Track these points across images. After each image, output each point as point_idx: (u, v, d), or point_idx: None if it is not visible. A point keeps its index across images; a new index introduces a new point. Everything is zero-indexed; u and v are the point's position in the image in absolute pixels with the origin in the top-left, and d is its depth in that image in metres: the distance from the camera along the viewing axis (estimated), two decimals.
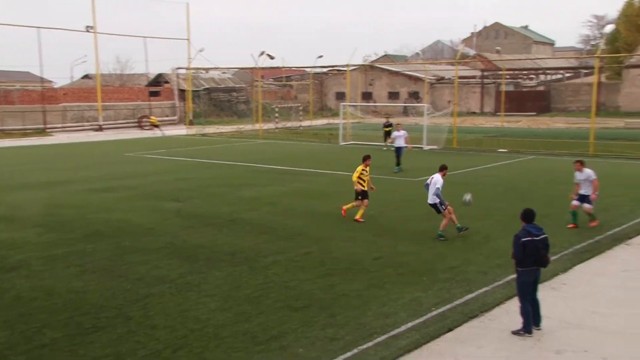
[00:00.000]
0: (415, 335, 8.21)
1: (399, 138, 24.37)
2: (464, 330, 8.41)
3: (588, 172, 14.24)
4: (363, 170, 15.07)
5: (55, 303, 9.44)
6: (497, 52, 57.50)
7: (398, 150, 24.25)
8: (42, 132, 47.23)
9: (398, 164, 23.97)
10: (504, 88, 60.46)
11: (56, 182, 21.74)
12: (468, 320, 8.72)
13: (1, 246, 12.79)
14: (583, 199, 14.25)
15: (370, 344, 7.94)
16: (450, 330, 8.39)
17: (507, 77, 67.75)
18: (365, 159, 15.11)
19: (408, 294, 9.78)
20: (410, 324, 8.55)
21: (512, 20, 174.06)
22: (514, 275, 8.56)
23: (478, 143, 34.48)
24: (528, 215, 8.43)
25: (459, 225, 13.62)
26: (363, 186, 15.05)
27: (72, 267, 11.26)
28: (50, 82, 68.25)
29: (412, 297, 9.64)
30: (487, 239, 13.36)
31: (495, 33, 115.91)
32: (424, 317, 8.80)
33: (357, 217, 14.94)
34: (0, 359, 7.56)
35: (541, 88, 70.16)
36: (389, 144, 28.57)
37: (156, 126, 49.38)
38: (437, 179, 13.63)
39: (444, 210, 13.52)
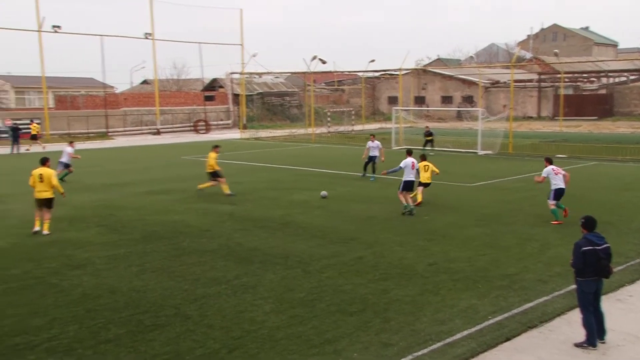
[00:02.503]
0: (472, 343, 8.08)
1: (374, 149, 23.54)
2: (523, 340, 8.21)
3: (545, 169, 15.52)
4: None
5: (118, 301, 9.76)
6: (555, 54, 55.78)
7: (372, 159, 23.44)
8: (104, 135, 48.95)
9: (373, 171, 23.27)
10: (562, 92, 58.80)
11: (116, 185, 22.47)
12: (527, 330, 8.52)
13: (68, 245, 13.32)
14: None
15: (425, 350, 7.86)
16: (508, 339, 8.21)
17: (566, 80, 65.87)
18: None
19: (463, 301, 9.65)
20: (466, 332, 8.42)
21: (571, 22, 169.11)
22: (575, 285, 8.31)
23: (535, 148, 33.66)
24: (589, 223, 8.15)
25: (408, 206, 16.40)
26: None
27: (133, 267, 11.62)
28: (112, 87, 70.66)
29: (468, 304, 9.50)
30: (545, 246, 13.02)
31: (553, 35, 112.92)
32: (481, 325, 8.64)
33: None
34: (70, 351, 7.87)
35: (603, 91, 67.86)
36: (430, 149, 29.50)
37: (35, 137, 38.83)
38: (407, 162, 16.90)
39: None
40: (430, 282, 10.60)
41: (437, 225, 15.13)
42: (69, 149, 23.52)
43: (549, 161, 15.75)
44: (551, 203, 15.31)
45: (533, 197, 19.01)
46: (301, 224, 15.37)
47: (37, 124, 41.37)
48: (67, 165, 23.14)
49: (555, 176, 15.30)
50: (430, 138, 33.10)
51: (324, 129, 51.56)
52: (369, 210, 17.10)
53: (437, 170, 18.26)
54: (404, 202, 16.45)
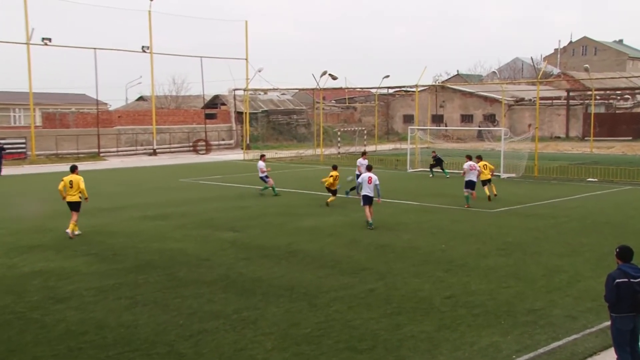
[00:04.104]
0: None
1: (364, 166, 23.75)
2: None
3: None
4: None
5: (106, 337, 9.69)
6: (586, 70, 55.75)
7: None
8: (95, 156, 49.24)
9: (354, 188, 23.85)
10: (593, 110, 58.76)
11: (108, 209, 22.53)
12: None
13: (51, 276, 13.29)
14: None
15: None
16: None
17: (598, 97, 65.86)
18: None
19: (484, 338, 9.52)
20: None
21: (603, 35, 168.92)
22: (610, 322, 8.18)
23: (563, 171, 33.55)
24: (625, 253, 8.04)
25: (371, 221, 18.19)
26: None
27: (123, 300, 11.58)
28: (105, 104, 71.22)
29: (490, 341, 9.38)
30: (575, 278, 12.88)
31: (583, 49, 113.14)
32: None
33: None
34: None
35: (638, 110, 67.75)
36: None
37: None
38: (375, 177, 18.57)
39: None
40: (448, 317, 10.49)
41: (456, 254, 15.02)
42: (261, 163, 25.61)
43: (469, 157, 22.19)
44: (465, 191, 21.86)
45: (560, 224, 18.89)
46: (309, 252, 15.32)
47: None
48: (266, 178, 25.41)
49: (470, 171, 21.60)
50: (434, 164, 33.43)
51: (333, 150, 51.68)
52: (382, 237, 17.02)
53: (492, 167, 24.21)
54: (368, 217, 18.32)
